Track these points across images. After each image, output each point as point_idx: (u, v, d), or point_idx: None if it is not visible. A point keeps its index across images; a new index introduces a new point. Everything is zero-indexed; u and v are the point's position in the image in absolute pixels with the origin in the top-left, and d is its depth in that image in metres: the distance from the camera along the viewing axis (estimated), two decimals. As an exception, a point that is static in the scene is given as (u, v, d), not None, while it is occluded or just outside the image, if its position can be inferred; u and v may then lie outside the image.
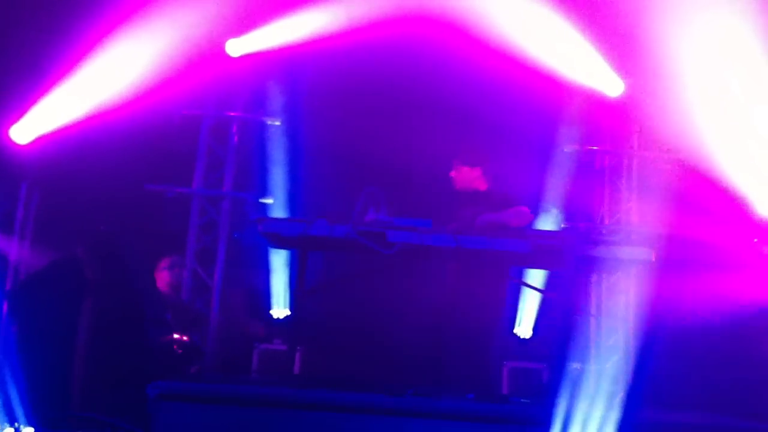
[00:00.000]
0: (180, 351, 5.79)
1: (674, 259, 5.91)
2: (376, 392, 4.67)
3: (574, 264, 4.96)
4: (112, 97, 6.52)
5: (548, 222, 6.68)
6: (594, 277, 6.83)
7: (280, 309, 7.05)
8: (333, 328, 6.70)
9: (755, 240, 6.28)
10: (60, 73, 6.34)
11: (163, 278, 6.38)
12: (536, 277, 6.39)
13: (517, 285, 6.22)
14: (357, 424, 4.42)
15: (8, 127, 6.37)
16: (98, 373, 5.06)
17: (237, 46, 6.97)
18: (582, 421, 4.29)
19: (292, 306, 6.79)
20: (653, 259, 5.02)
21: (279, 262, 7.09)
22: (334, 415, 4.44)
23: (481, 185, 5.63)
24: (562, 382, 4.48)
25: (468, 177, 5.62)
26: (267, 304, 7.13)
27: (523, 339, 6.90)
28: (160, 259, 6.41)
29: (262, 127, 7.27)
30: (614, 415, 4.33)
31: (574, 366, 4.77)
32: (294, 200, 7.07)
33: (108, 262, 5.24)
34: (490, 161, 5.67)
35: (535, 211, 6.26)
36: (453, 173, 5.63)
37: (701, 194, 6.28)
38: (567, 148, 7.21)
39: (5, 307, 5.60)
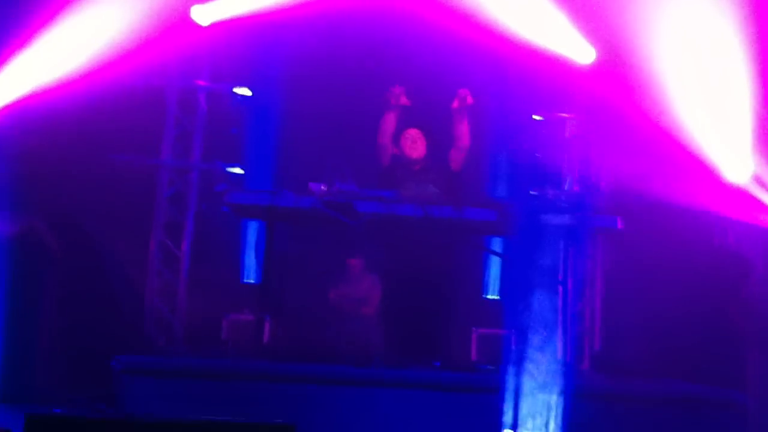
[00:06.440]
0: None
1: (642, 223, 5.95)
2: (343, 363, 4.67)
3: (542, 231, 4.97)
4: (76, 67, 6.38)
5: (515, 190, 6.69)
6: (562, 244, 6.86)
7: (250, 280, 7.01)
8: (301, 298, 6.68)
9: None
10: (20, 42, 6.21)
11: None
12: (505, 244, 6.39)
13: (486, 252, 6.24)
14: (325, 395, 4.43)
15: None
16: (63, 346, 5.01)
17: (203, 13, 6.84)
18: (545, 388, 4.31)
19: (261, 277, 6.75)
20: (620, 226, 5.05)
21: (250, 232, 7.05)
22: (302, 386, 4.45)
23: None
24: (528, 349, 4.50)
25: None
26: (238, 275, 7.11)
27: (492, 306, 6.92)
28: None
29: (231, 97, 7.18)
30: (578, 383, 4.36)
31: (540, 333, 4.79)
32: (264, 171, 7.01)
33: (69, 232, 5.18)
34: None
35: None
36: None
37: (671, 160, 6.30)
38: (536, 115, 7.19)
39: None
